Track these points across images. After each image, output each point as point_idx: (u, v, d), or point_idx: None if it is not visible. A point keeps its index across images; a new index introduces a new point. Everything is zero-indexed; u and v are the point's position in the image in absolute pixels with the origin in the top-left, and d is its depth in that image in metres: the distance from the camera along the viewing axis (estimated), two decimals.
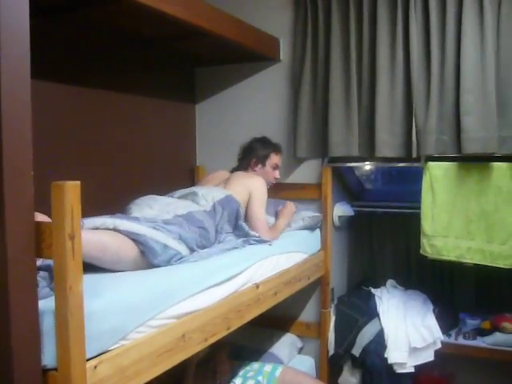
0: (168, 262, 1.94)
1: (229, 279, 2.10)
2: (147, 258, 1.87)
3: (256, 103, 3.34)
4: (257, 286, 2.30)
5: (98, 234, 1.77)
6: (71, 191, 1.31)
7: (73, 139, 2.59)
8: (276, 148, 2.98)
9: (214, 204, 2.46)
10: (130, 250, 1.83)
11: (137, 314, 1.60)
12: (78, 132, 2.62)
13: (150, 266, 1.89)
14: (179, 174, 3.41)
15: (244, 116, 3.38)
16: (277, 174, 2.96)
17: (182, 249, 2.02)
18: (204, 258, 2.10)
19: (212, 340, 1.96)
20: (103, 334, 1.47)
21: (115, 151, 2.86)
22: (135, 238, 1.84)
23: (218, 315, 2.00)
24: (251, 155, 2.96)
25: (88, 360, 1.40)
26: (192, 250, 2.11)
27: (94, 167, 2.70)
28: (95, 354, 1.44)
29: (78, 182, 1.33)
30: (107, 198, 2.65)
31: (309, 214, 3.01)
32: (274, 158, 2.95)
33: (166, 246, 1.92)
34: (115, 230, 1.83)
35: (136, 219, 1.97)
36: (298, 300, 3.14)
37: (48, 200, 1.30)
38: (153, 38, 2.79)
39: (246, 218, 2.68)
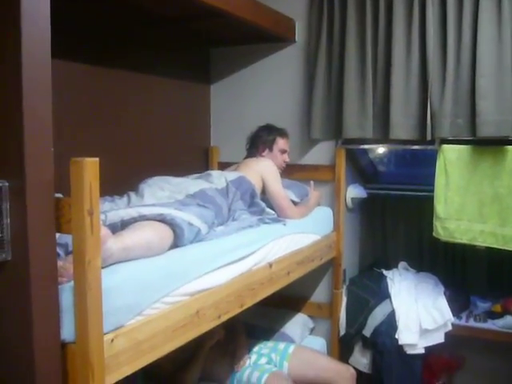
0: (191, 241, 1.95)
1: (243, 258, 2.13)
2: (178, 238, 1.87)
3: (271, 84, 3.33)
4: (270, 265, 2.33)
5: (138, 233, 1.71)
6: (90, 168, 1.33)
7: (89, 118, 2.61)
8: (281, 132, 2.99)
9: (227, 183, 2.48)
10: (169, 236, 1.82)
11: (152, 290, 1.63)
12: (95, 111, 2.65)
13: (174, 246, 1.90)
14: (194, 154, 3.42)
15: (259, 97, 3.38)
16: (286, 157, 2.97)
17: (203, 226, 2.03)
18: (219, 237, 2.12)
19: (225, 317, 1.99)
20: (119, 310, 1.50)
21: (130, 131, 2.88)
22: (170, 222, 1.82)
23: (232, 293, 2.03)
24: (258, 142, 2.98)
25: (105, 334, 1.43)
26: (210, 228, 2.12)
27: (109, 146, 2.72)
28: (112, 328, 1.47)
29: (97, 159, 1.35)
30: (123, 177, 2.67)
31: None
32: (281, 142, 2.95)
33: (190, 225, 1.93)
34: (141, 216, 1.81)
35: (153, 205, 1.97)
36: (310, 280, 3.17)
37: (68, 176, 1.33)
38: (168, 18, 2.80)
39: (269, 201, 2.71)
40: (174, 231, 1.85)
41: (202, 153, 3.49)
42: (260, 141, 2.97)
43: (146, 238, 1.70)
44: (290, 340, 2.99)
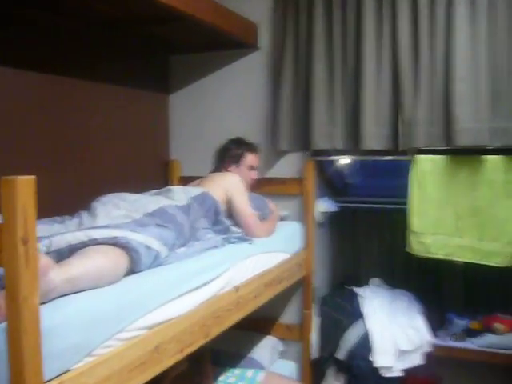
0: (149, 266, 1.74)
1: (207, 283, 1.93)
2: (134, 264, 1.65)
3: (234, 93, 3.16)
4: (236, 289, 2.12)
5: (87, 260, 1.48)
6: (24, 188, 1.11)
7: (34, 130, 2.38)
8: (251, 147, 2.81)
9: (188, 200, 2.27)
10: (123, 261, 1.60)
11: (103, 326, 1.41)
12: (41, 123, 2.42)
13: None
14: (152, 168, 3.21)
15: (221, 107, 3.21)
16: (253, 174, 2.78)
17: (162, 249, 1.82)
18: (180, 259, 1.91)
19: (189, 350, 1.78)
20: (65, 351, 1.27)
21: (80, 144, 2.65)
22: (124, 246, 1.60)
23: (195, 322, 1.82)
24: (225, 156, 2.81)
25: (46, 382, 1.21)
26: (170, 250, 1.91)
27: (59, 161, 2.50)
28: (55, 374, 1.25)
29: (33, 177, 1.13)
30: (74, 194, 2.46)
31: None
32: (250, 158, 2.77)
33: (148, 248, 1.71)
34: (91, 240, 1.58)
35: (106, 227, 1.75)
36: (278, 301, 2.96)
37: None
38: (123, 21, 2.59)
39: (234, 219, 2.52)
40: (130, 256, 1.64)
41: (162, 167, 3.28)
42: (228, 154, 2.80)
43: (95, 266, 1.48)
44: (258, 366, 2.78)
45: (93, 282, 1.46)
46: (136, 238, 1.69)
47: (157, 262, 1.78)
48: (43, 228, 1.86)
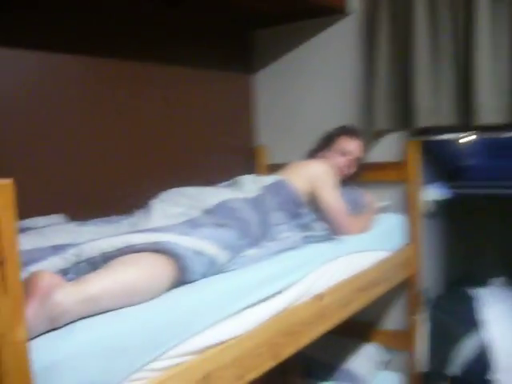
0: (203, 275, 1.46)
1: (279, 292, 1.62)
2: (182, 273, 1.38)
3: (325, 68, 2.79)
4: (320, 297, 1.78)
5: (113, 274, 1.21)
6: None
7: (105, 115, 2.23)
8: (347, 129, 2.45)
9: (260, 190, 1.97)
10: (168, 272, 1.33)
11: (130, 355, 1.13)
12: (109, 109, 2.25)
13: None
14: (235, 156, 2.92)
15: (311, 83, 2.84)
16: (348, 162, 2.39)
17: (221, 253, 1.53)
18: (247, 264, 1.61)
19: (251, 376, 1.47)
20: None
21: (151, 132, 2.44)
22: (169, 252, 1.34)
23: (262, 343, 1.51)
24: (321, 141, 2.49)
25: None
26: (236, 253, 1.62)
27: (124, 149, 2.32)
28: None
29: (9, 181, 0.86)
30: (143, 188, 2.24)
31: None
32: (344, 141, 2.40)
33: (199, 253, 1.43)
34: (128, 247, 1.33)
35: (150, 230, 1.49)
36: (380, 304, 2.57)
37: None
38: None
39: (320, 214, 2.17)
40: (176, 264, 1.36)
41: (247, 154, 2.98)
42: (323, 139, 2.49)
43: (123, 280, 1.21)
44: (355, 380, 2.42)
45: (121, 299, 1.19)
46: (183, 241, 1.41)
47: (214, 268, 1.50)
48: (88, 230, 1.64)
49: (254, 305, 1.50)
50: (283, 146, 2.91)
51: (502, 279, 2.85)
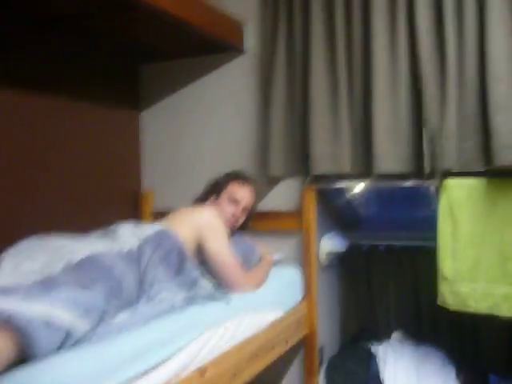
0: (55, 350, 1.17)
1: (150, 369, 1.33)
2: (26, 349, 1.10)
3: (217, 108, 2.62)
4: (201, 371, 1.51)
5: None
6: None
7: None
8: (237, 176, 2.24)
9: (139, 243, 1.69)
10: (2, 347, 1.07)
11: None
12: None
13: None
14: (118, 201, 2.63)
15: (203, 124, 2.66)
16: (236, 211, 2.15)
17: (79, 322, 1.24)
18: (112, 335, 1.32)
19: None
20: None
21: (25, 171, 2.15)
22: (6, 324, 1.08)
23: None
24: (209, 187, 2.27)
25: None
26: (97, 320, 1.32)
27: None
28: None
29: None
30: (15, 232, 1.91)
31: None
32: (233, 188, 2.18)
33: (48, 325, 1.15)
34: None
35: None
36: (276, 366, 2.33)
37: None
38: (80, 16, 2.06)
39: (209, 267, 1.93)
40: (17, 338, 1.09)
41: (130, 199, 2.69)
42: (211, 185, 2.26)
43: None
44: None
45: None
46: (28, 309, 1.13)
47: (70, 341, 1.21)
48: None
49: None
50: (170, 191, 2.69)
51: (399, 333, 2.72)
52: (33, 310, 1.14)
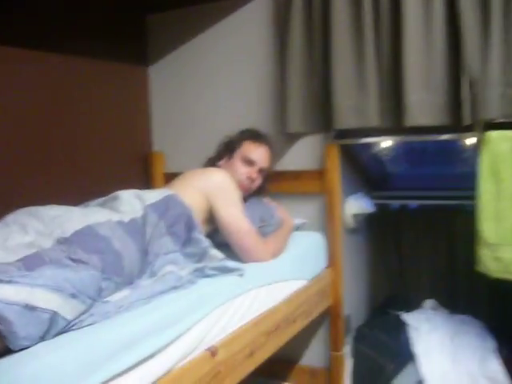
0: (41, 337, 1.03)
1: (155, 353, 1.19)
2: (3, 336, 0.97)
3: (230, 60, 2.44)
4: (212, 352, 1.35)
5: None
6: None
7: None
8: (252, 135, 2.05)
9: (142, 210, 1.52)
10: None
11: None
12: None
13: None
14: (128, 163, 2.49)
15: (214, 78, 2.49)
16: (251, 172, 1.96)
17: (67, 305, 1.08)
18: (107, 318, 1.17)
19: None
20: None
21: (30, 128, 2.04)
22: None
23: None
24: (222, 147, 2.08)
25: None
26: (91, 300, 1.16)
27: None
28: None
29: None
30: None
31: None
32: (248, 147, 1.99)
33: (31, 308, 1.00)
34: None
35: None
36: (298, 337, 2.18)
37: None
38: None
39: (220, 235, 1.77)
40: None
41: (141, 161, 2.56)
42: (225, 144, 2.07)
43: None
44: None
45: None
46: (5, 292, 0.99)
47: (58, 327, 1.06)
48: None
49: (118, 375, 1.07)
50: (182, 152, 2.55)
51: (431, 301, 2.54)
52: (12, 292, 0.99)
